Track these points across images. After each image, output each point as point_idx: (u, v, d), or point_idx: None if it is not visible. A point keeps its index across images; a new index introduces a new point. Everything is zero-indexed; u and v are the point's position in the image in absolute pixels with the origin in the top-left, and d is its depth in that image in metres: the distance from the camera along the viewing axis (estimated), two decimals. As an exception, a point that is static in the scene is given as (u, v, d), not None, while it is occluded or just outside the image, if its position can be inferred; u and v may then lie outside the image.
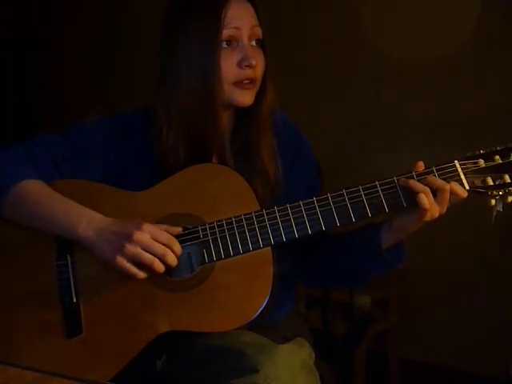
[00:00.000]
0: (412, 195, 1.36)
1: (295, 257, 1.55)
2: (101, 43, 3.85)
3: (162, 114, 1.45)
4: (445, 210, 1.37)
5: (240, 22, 1.42)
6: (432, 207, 1.34)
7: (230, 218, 1.38)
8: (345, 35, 3.11)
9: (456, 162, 1.38)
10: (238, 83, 1.43)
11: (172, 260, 1.34)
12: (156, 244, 1.33)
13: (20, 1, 4.00)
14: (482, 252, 2.79)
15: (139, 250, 1.32)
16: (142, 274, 1.35)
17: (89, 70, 3.90)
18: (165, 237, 1.34)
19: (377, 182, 1.38)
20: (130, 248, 1.32)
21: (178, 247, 1.35)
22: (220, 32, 1.40)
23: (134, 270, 1.34)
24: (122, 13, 3.75)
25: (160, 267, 1.34)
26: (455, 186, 1.35)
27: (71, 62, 3.98)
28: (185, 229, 1.40)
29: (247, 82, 1.44)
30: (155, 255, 1.33)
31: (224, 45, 1.42)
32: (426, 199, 1.34)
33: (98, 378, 1.29)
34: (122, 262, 1.33)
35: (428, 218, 1.36)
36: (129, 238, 1.32)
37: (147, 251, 1.32)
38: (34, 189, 1.42)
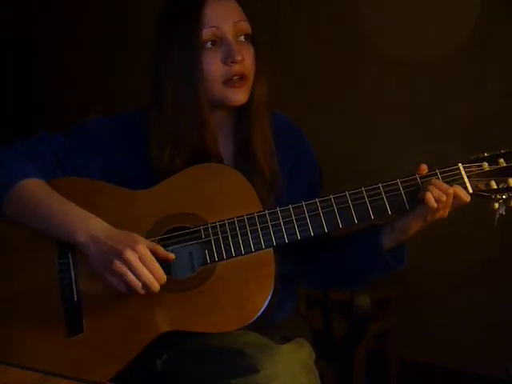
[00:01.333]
0: (416, 198, 1.36)
1: (296, 257, 1.55)
2: (101, 43, 3.85)
3: (153, 119, 1.46)
4: (446, 213, 1.37)
5: (220, 20, 1.42)
6: (437, 210, 1.35)
7: (232, 219, 1.38)
8: (345, 35, 3.11)
9: (460, 164, 1.38)
10: (228, 81, 1.43)
11: (154, 288, 1.32)
12: (142, 269, 1.31)
13: (20, 1, 4.00)
14: (482, 252, 2.79)
15: (126, 271, 1.31)
16: (125, 291, 1.33)
17: (89, 69, 3.90)
18: (151, 264, 1.32)
19: (380, 185, 1.38)
20: (118, 265, 1.31)
21: (162, 277, 1.33)
22: (199, 33, 1.40)
23: (118, 285, 1.33)
24: (122, 13, 3.75)
25: (141, 292, 1.32)
26: (459, 190, 1.35)
27: (71, 62, 3.98)
28: (186, 228, 1.40)
29: (236, 78, 1.43)
30: (138, 278, 1.31)
31: (209, 45, 1.42)
32: (433, 199, 1.33)
33: (99, 377, 1.29)
34: (108, 277, 1.34)
35: (430, 219, 1.37)
36: (119, 256, 1.31)
37: (133, 274, 1.31)
38: (34, 188, 1.42)
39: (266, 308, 1.34)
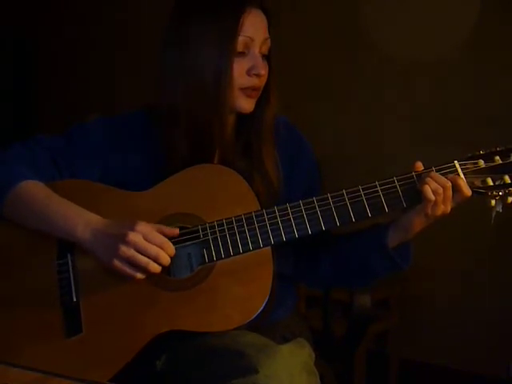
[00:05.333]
0: (412, 195, 1.36)
1: (298, 257, 1.55)
2: (101, 43, 3.85)
3: (167, 114, 1.46)
4: (449, 208, 1.37)
5: (255, 32, 1.44)
6: (436, 203, 1.34)
7: (230, 218, 1.38)
8: (345, 35, 3.11)
9: (456, 162, 1.38)
10: (244, 89, 1.45)
11: (166, 261, 1.34)
12: (149, 245, 1.32)
13: (20, 1, 4.01)
14: (482, 252, 2.80)
15: (133, 253, 1.32)
16: (139, 275, 1.34)
17: (89, 69, 3.90)
18: (158, 238, 1.34)
19: (377, 183, 1.39)
20: (125, 250, 1.32)
21: (171, 248, 1.35)
22: (236, 39, 1.42)
23: (130, 271, 1.34)
24: (122, 13, 3.75)
25: (155, 268, 1.33)
26: (460, 181, 1.35)
27: (71, 61, 3.98)
28: (185, 228, 1.40)
29: (252, 89, 1.46)
30: (149, 257, 1.33)
31: (237, 52, 1.43)
32: (430, 191, 1.34)
33: (98, 378, 1.29)
34: (117, 264, 1.34)
35: (431, 214, 1.36)
36: (123, 240, 1.32)
37: (141, 253, 1.32)
38: (34, 190, 1.42)
39: (264, 307, 1.34)
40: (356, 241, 1.50)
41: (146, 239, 1.33)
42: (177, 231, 1.37)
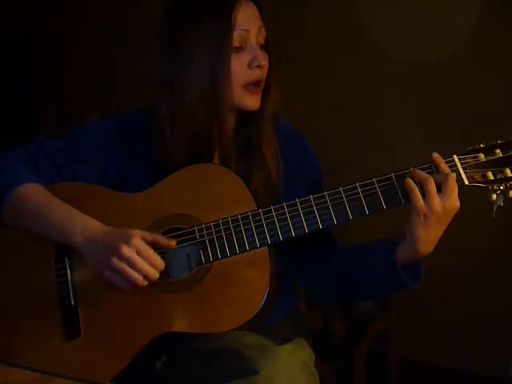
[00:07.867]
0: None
1: (300, 259, 1.53)
2: (101, 43, 3.85)
3: (165, 115, 1.45)
4: (443, 201, 1.31)
5: (249, 23, 1.43)
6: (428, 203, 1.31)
7: (227, 218, 1.38)
8: (345, 35, 3.11)
9: (455, 156, 1.36)
10: (248, 86, 1.44)
11: (154, 278, 1.34)
12: (140, 262, 1.32)
13: (20, 1, 4.00)
14: (482, 252, 2.79)
15: (124, 266, 1.32)
16: (126, 287, 1.35)
17: (89, 70, 3.90)
18: (149, 255, 1.33)
19: (374, 179, 1.37)
20: (116, 263, 1.32)
21: (161, 265, 1.35)
22: (231, 35, 1.40)
23: (119, 282, 1.35)
24: (122, 13, 3.75)
25: (143, 283, 1.34)
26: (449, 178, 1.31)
27: (71, 62, 3.98)
28: (182, 229, 1.40)
29: (255, 85, 1.44)
30: (138, 272, 1.33)
31: (235, 47, 1.42)
32: (417, 196, 1.31)
33: (98, 380, 1.29)
34: (108, 274, 1.35)
35: (427, 211, 1.32)
36: (116, 252, 1.32)
37: (132, 268, 1.32)
38: (33, 192, 1.42)
39: (262, 307, 1.34)
40: (365, 254, 1.46)
41: (138, 254, 1.32)
42: (173, 243, 1.37)
